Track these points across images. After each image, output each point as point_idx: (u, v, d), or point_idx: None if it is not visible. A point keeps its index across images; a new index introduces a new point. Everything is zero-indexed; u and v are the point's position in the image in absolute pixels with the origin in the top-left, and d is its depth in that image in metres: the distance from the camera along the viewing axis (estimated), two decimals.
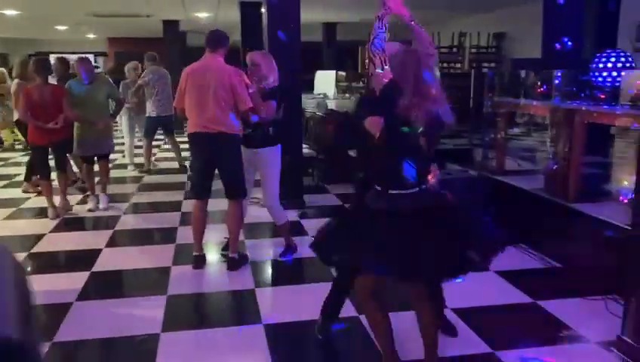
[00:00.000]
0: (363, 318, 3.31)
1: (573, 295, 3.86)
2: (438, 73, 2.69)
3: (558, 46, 4.48)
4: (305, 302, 3.77)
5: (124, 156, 9.19)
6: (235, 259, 4.50)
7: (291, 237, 4.87)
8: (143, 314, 3.72)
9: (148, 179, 8.22)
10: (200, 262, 4.54)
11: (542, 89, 4.82)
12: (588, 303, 3.76)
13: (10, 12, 11.79)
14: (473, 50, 12.51)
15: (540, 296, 3.86)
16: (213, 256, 4.81)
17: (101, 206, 6.32)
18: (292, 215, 5.93)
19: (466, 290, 3.99)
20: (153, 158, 9.15)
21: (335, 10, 12.74)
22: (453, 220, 2.60)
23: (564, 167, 4.65)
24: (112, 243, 5.22)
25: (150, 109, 8.26)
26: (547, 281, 4.26)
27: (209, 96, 4.17)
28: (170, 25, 14.11)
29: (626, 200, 4.01)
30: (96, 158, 6.37)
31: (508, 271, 4.31)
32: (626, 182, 4.10)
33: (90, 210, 6.25)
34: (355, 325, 3.44)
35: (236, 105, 4.21)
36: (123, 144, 9.04)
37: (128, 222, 5.95)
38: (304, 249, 4.98)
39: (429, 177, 2.71)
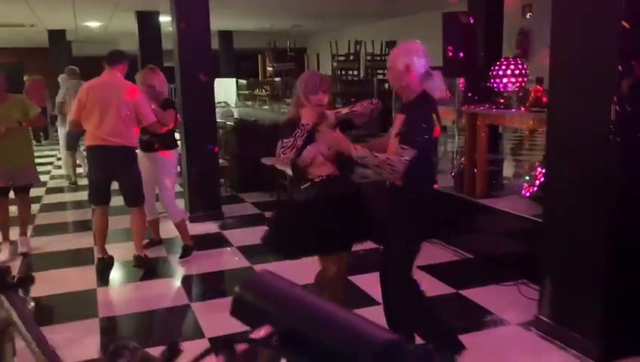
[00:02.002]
0: None
1: (489, 282, 4.23)
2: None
3: (455, 55, 4.86)
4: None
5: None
6: (141, 257, 4.71)
7: (189, 236, 5.03)
8: (77, 341, 3.56)
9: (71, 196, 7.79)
10: (105, 264, 4.70)
11: (447, 95, 5.19)
12: (502, 289, 4.14)
13: None
14: (369, 58, 13.03)
15: (460, 286, 4.19)
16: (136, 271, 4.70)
17: (20, 250, 5.19)
18: (212, 227, 5.91)
19: None
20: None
21: (230, 19, 12.74)
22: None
23: (470, 166, 5.06)
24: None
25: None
26: (464, 272, 4.61)
27: (110, 110, 4.38)
28: (56, 34, 13.35)
29: (528, 194, 4.46)
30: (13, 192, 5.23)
31: (428, 265, 4.62)
32: (527, 177, 4.55)
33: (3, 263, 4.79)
34: None
35: (137, 120, 4.48)
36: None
37: (36, 245, 5.60)
38: (231, 260, 5.02)
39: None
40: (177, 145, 5.25)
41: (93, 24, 12.20)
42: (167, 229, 5.35)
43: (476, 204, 4.94)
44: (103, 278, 4.60)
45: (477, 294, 4.04)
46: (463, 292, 4.09)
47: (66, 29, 13.31)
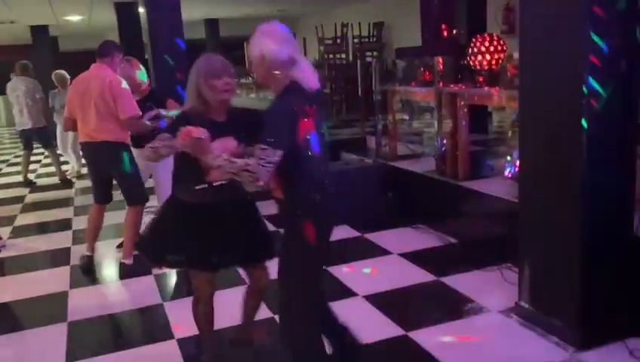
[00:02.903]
0: None
1: (472, 268, 4.10)
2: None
3: (435, 33, 4.69)
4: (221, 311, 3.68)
5: None
6: (126, 265, 4.41)
7: None
8: (43, 348, 3.45)
9: (30, 197, 7.65)
10: (88, 261, 4.60)
11: (425, 75, 5.04)
12: (485, 274, 4.00)
13: None
14: (356, 41, 12.81)
15: (442, 273, 4.05)
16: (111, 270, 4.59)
17: None
18: None
19: (372, 275, 4.13)
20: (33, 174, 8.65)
21: (216, 6, 12.51)
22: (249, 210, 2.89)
23: (452, 149, 4.91)
24: None
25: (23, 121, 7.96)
26: (446, 258, 4.47)
27: (90, 105, 4.21)
28: (39, 30, 13.14)
29: (510, 176, 4.31)
30: None
31: (410, 253, 4.50)
32: (508, 158, 4.40)
33: None
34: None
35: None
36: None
37: (14, 246, 5.48)
38: None
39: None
40: None
41: (74, 18, 11.99)
42: None
43: (458, 186, 4.80)
44: (82, 278, 4.48)
45: (459, 281, 3.91)
46: (445, 279, 3.96)
47: (49, 25, 13.09)
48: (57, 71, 8.20)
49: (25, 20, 12.00)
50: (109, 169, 4.39)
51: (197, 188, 2.62)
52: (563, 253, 2.95)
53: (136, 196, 4.43)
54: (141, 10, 9.54)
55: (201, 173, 2.51)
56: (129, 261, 4.41)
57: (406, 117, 6.25)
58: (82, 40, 15.27)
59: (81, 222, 5.64)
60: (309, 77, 2.30)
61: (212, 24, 15.27)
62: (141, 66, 4.65)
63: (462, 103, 4.74)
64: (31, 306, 4.12)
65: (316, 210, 2.32)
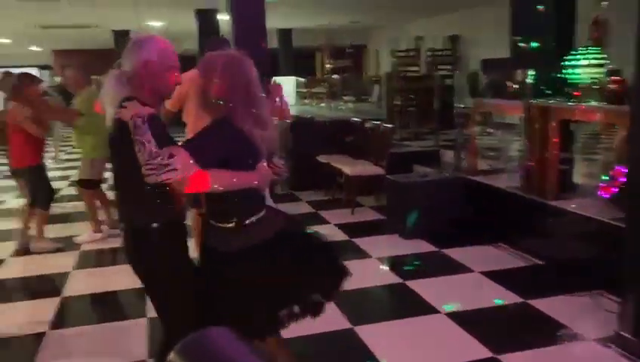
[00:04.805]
0: None
1: (560, 292, 3.86)
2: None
3: (527, 45, 4.50)
4: None
5: None
6: None
7: None
8: (125, 340, 3.49)
9: None
10: None
11: (514, 88, 4.84)
12: (575, 299, 3.76)
13: None
14: (429, 53, 12.64)
15: (528, 295, 3.83)
16: None
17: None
18: None
19: (455, 293, 3.96)
20: None
21: (291, 16, 12.65)
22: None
23: (540, 165, 4.68)
24: (82, 264, 4.94)
25: None
26: (533, 279, 4.25)
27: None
28: (122, 35, 13.68)
29: (606, 195, 4.05)
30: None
31: (492, 271, 4.30)
32: (603, 177, 4.14)
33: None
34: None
35: None
36: None
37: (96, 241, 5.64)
38: None
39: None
40: None
41: (156, 24, 12.40)
42: None
43: (546, 205, 4.56)
44: None
45: (547, 304, 3.68)
46: (532, 301, 3.74)
47: (130, 30, 13.61)
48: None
49: (108, 25, 12.51)
50: None
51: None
52: None
53: None
54: (221, 17, 9.77)
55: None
56: None
57: (489, 130, 6.04)
58: None
59: None
60: None
61: (285, 34, 15.45)
62: None
63: (554, 118, 4.51)
64: (111, 300, 4.20)
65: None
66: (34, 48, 18.39)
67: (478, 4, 10.90)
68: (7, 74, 7.03)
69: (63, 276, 4.59)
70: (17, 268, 4.95)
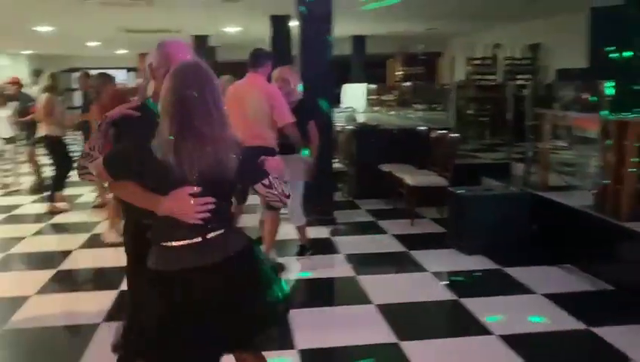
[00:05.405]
0: None
1: (632, 321, 3.56)
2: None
3: (607, 54, 4.20)
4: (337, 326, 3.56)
5: None
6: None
7: (308, 238, 5.04)
8: None
9: None
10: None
11: (590, 100, 4.54)
12: None
13: (44, 29, 11.95)
14: (507, 62, 12.19)
15: (594, 322, 3.55)
16: None
17: None
18: (323, 232, 5.73)
19: (512, 315, 3.74)
20: None
21: (365, 23, 12.59)
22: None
23: (615, 184, 4.35)
24: None
25: None
26: (600, 305, 3.95)
27: (245, 113, 4.33)
28: (200, 40, 14.14)
29: None
30: None
31: (555, 294, 4.03)
32: None
33: None
34: None
35: (274, 121, 4.38)
36: None
37: None
38: (335, 268, 4.79)
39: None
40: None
41: (232, 29, 12.72)
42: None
43: (620, 227, 4.23)
44: None
45: (614, 334, 3.39)
46: (596, 330, 3.46)
47: (208, 35, 14.04)
48: (223, 76, 8.68)
49: (189, 30, 12.96)
50: None
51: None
52: None
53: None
54: (293, 24, 9.88)
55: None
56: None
57: (562, 144, 5.70)
58: (236, 51, 16.20)
59: None
60: None
61: (358, 41, 15.40)
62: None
63: (632, 134, 4.18)
64: None
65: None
66: (121, 51, 19.38)
67: (561, 10, 10.40)
68: (86, 74, 7.42)
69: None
70: (84, 260, 5.17)
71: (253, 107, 4.35)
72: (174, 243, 1.93)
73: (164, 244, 1.95)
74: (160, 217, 1.93)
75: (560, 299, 3.94)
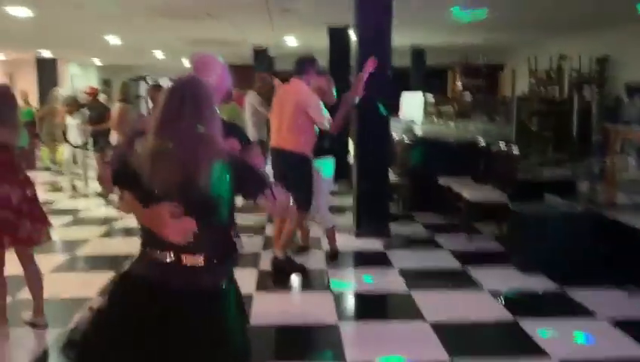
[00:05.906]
0: None
1: None
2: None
3: None
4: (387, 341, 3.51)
5: None
6: (278, 259, 4.79)
7: (335, 247, 5.20)
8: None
9: None
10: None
11: None
12: None
13: (114, 41, 12.48)
14: (573, 75, 11.74)
15: None
16: None
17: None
18: (377, 245, 5.68)
19: (572, 339, 3.58)
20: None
21: (424, 34, 12.47)
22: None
23: None
24: None
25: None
26: None
27: (284, 116, 4.62)
28: (260, 51, 14.39)
29: None
30: None
31: (620, 320, 3.82)
32: None
33: None
34: None
35: (311, 126, 4.62)
36: None
37: None
38: (388, 282, 4.73)
39: None
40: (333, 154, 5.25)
41: (291, 40, 12.89)
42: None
43: None
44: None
45: None
46: None
47: (268, 46, 14.27)
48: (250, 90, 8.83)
49: (250, 41, 13.22)
50: (287, 175, 4.64)
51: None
52: None
53: (299, 203, 4.53)
54: (352, 35, 9.89)
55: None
56: (281, 256, 4.77)
57: (633, 161, 5.43)
58: (293, 61, 16.41)
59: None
60: None
61: (418, 52, 15.25)
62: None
63: None
64: None
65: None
66: (184, 61, 19.99)
67: (631, 22, 9.94)
68: (157, 86, 7.69)
69: None
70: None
71: (288, 111, 4.59)
72: (149, 251, 1.91)
73: (142, 249, 1.95)
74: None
75: (623, 324, 3.75)
